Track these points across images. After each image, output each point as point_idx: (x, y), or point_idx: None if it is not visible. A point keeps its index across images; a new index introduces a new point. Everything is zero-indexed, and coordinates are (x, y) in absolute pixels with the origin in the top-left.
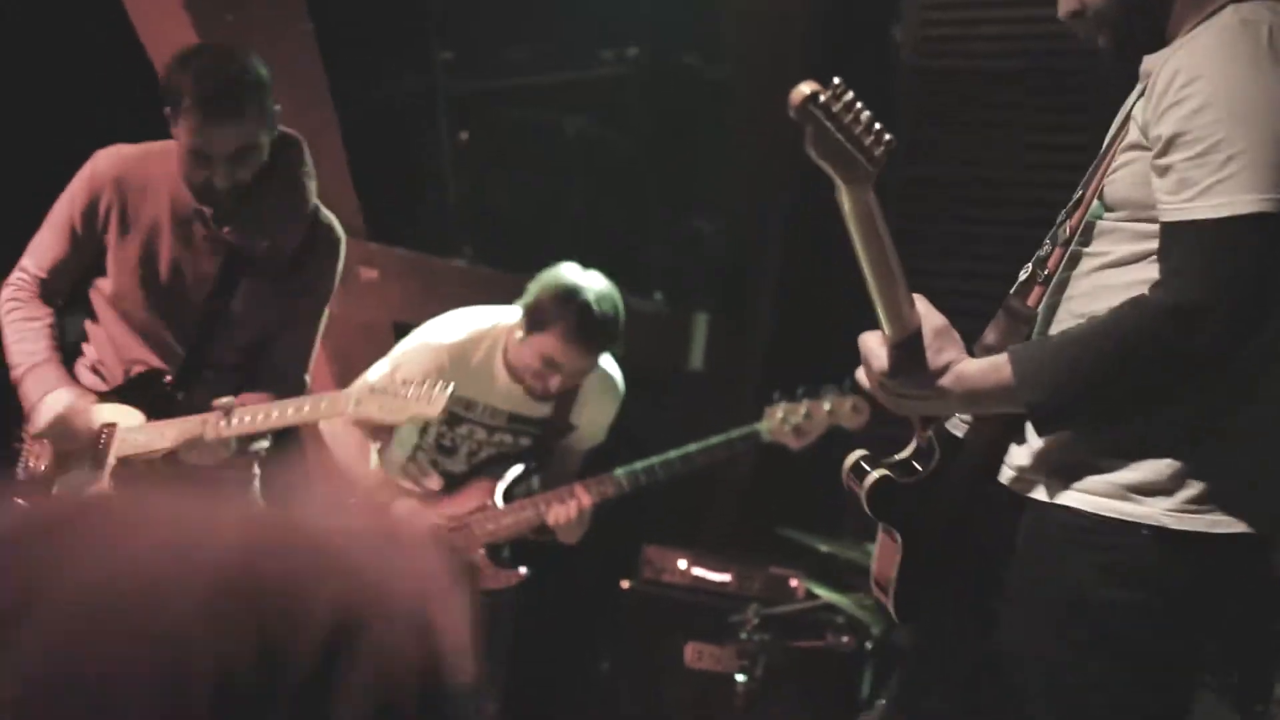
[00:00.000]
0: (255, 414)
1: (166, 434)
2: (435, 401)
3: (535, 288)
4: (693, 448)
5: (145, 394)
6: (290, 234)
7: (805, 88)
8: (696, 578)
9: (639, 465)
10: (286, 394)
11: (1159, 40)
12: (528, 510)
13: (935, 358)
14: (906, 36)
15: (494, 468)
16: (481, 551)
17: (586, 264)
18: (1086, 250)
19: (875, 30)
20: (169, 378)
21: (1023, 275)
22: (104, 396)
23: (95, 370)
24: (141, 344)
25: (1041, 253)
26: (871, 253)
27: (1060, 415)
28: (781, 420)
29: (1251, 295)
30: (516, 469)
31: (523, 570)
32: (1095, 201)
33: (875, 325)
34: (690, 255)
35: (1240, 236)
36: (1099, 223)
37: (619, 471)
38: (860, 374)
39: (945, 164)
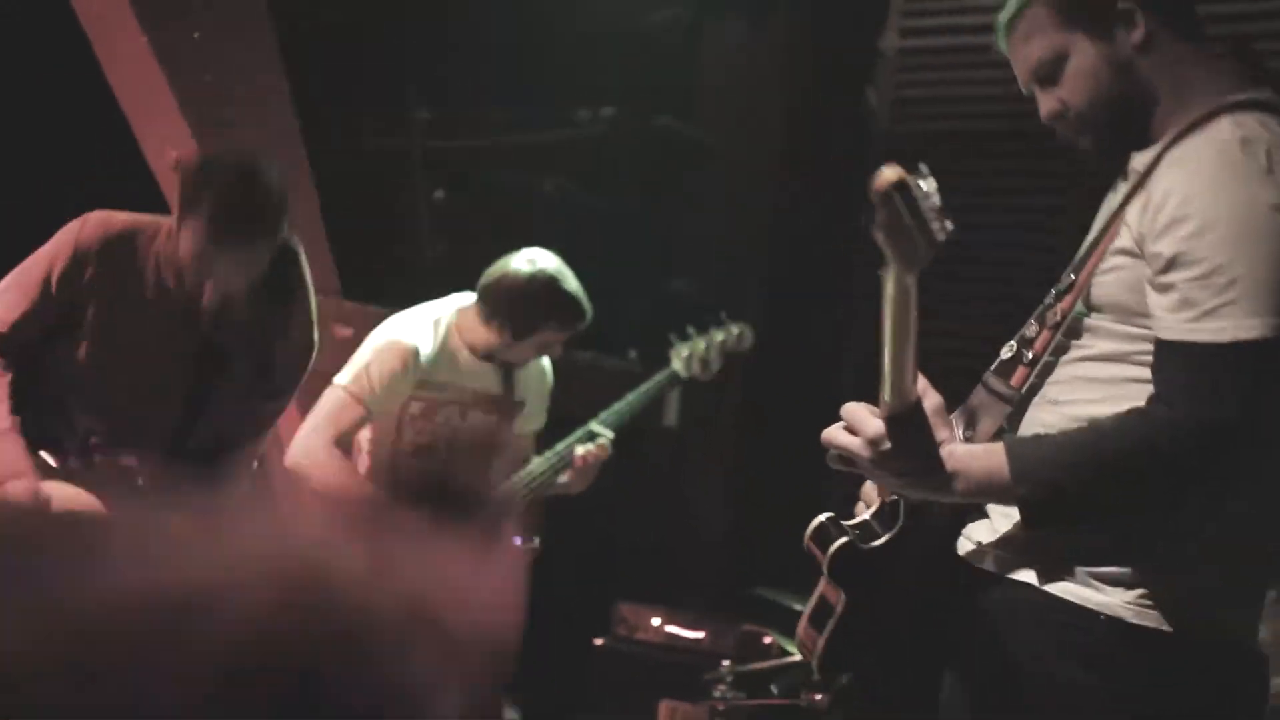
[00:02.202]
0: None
1: None
2: None
3: (505, 294)
4: (630, 396)
5: (110, 485)
6: (282, 351)
7: (892, 173)
8: (670, 635)
9: (607, 414)
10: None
11: (1143, 140)
12: (526, 482)
13: (935, 433)
14: (881, 100)
15: (467, 461)
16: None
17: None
18: (1081, 344)
19: (851, 93)
20: (140, 480)
21: (1005, 354)
22: (67, 473)
23: (43, 435)
24: (102, 419)
25: (1027, 333)
26: (899, 331)
27: (1051, 514)
28: (687, 357)
29: (1252, 415)
30: (490, 453)
31: (535, 543)
32: (1080, 300)
33: (852, 386)
34: (665, 315)
35: (1243, 360)
36: (1084, 318)
37: (603, 416)
38: (835, 439)
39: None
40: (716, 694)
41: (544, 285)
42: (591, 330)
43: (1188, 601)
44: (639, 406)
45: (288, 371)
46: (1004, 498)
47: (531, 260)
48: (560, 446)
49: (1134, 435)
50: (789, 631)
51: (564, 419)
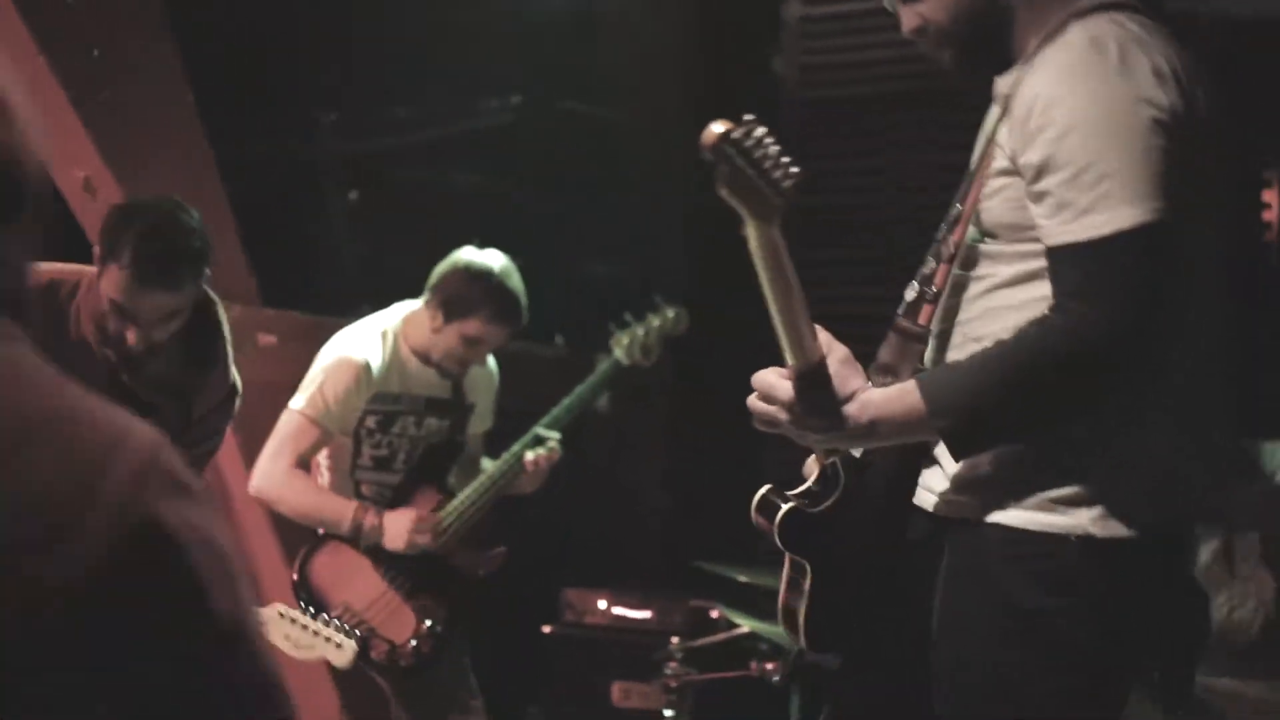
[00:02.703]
0: None
1: None
2: (344, 650)
3: (446, 276)
4: (576, 390)
5: None
6: (203, 402)
7: (718, 127)
8: (618, 617)
9: (556, 412)
10: None
11: (1004, 58)
12: (482, 487)
13: (843, 386)
14: (788, 68)
15: (425, 469)
16: (460, 544)
17: None
18: (973, 274)
19: (757, 63)
20: None
21: (909, 295)
22: None
23: None
24: None
25: (926, 270)
26: (777, 286)
27: (973, 439)
28: (628, 345)
29: (1147, 304)
30: (447, 459)
31: (502, 549)
32: (972, 227)
33: (776, 359)
34: (589, 298)
35: (1127, 250)
36: (980, 246)
37: (547, 420)
38: (754, 407)
39: (836, 193)
40: (668, 671)
41: (484, 274)
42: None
43: (1145, 501)
44: (586, 400)
45: (213, 419)
46: (926, 433)
47: (482, 254)
48: (510, 454)
49: (1034, 346)
50: (735, 604)
51: (500, 410)
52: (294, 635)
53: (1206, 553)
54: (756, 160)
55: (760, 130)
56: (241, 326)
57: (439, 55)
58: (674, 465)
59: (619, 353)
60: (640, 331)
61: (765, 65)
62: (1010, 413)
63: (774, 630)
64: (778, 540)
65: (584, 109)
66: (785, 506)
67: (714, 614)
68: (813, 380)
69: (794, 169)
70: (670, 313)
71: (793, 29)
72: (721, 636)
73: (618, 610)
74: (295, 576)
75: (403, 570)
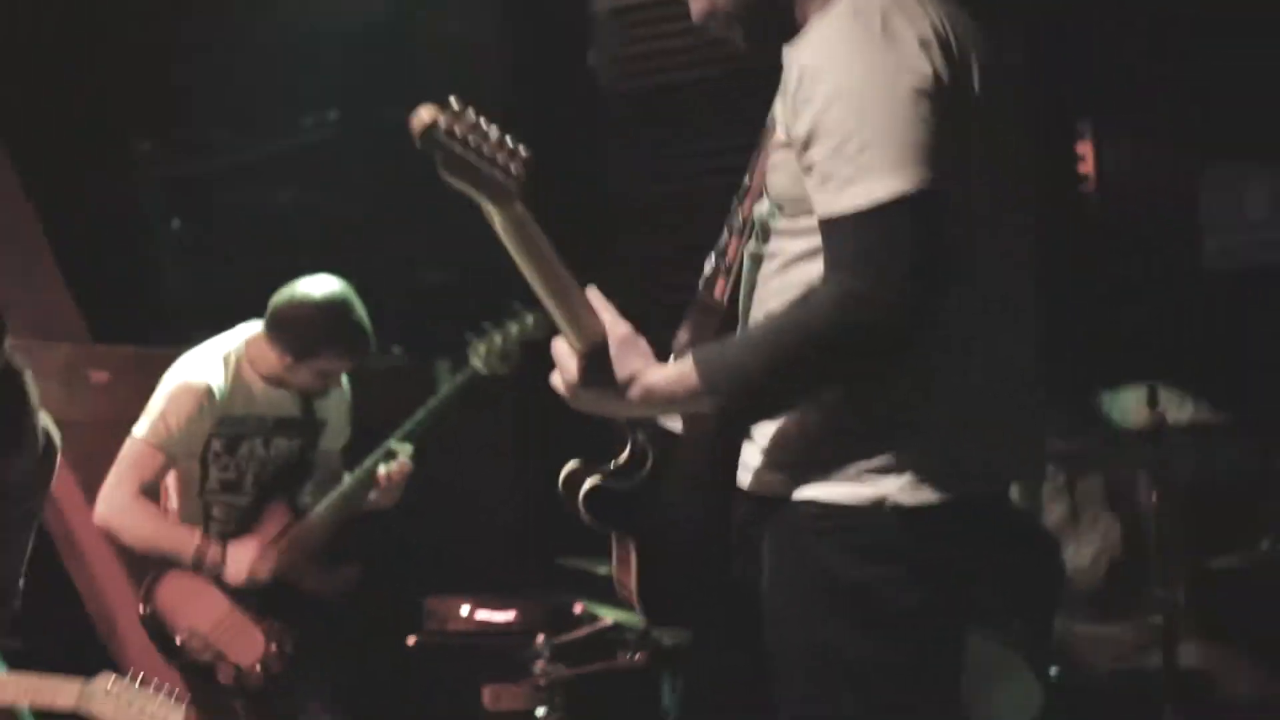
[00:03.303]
0: None
1: None
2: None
3: (288, 315)
4: (432, 402)
5: None
6: (13, 466)
7: (424, 115)
8: (481, 621)
9: (409, 424)
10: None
11: (790, 33)
12: (335, 504)
13: (621, 368)
14: (603, 61)
15: (276, 489)
16: (310, 564)
17: None
18: (767, 250)
19: (574, 58)
20: None
21: (707, 269)
22: None
23: None
24: None
25: (720, 243)
26: (534, 266)
27: (747, 412)
28: (485, 353)
29: (912, 274)
30: (298, 478)
31: (356, 566)
32: (765, 202)
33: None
34: (424, 306)
35: (887, 221)
36: (772, 222)
37: (399, 434)
38: (555, 381)
39: (665, 181)
40: (536, 670)
41: (325, 310)
42: None
43: (951, 466)
44: (442, 412)
45: (25, 475)
46: (701, 406)
47: (318, 284)
48: (361, 470)
49: (795, 320)
50: (597, 596)
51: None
52: (120, 710)
53: (1055, 504)
54: (474, 145)
55: (469, 114)
56: (72, 365)
57: (253, 75)
58: (525, 465)
59: (476, 362)
60: (498, 339)
61: (580, 59)
62: (779, 386)
63: (637, 619)
64: (583, 516)
65: (404, 116)
66: (589, 485)
67: (577, 609)
68: (594, 360)
69: (521, 149)
70: (529, 317)
71: (604, 21)
72: (586, 630)
73: (481, 614)
74: (141, 603)
75: (251, 592)
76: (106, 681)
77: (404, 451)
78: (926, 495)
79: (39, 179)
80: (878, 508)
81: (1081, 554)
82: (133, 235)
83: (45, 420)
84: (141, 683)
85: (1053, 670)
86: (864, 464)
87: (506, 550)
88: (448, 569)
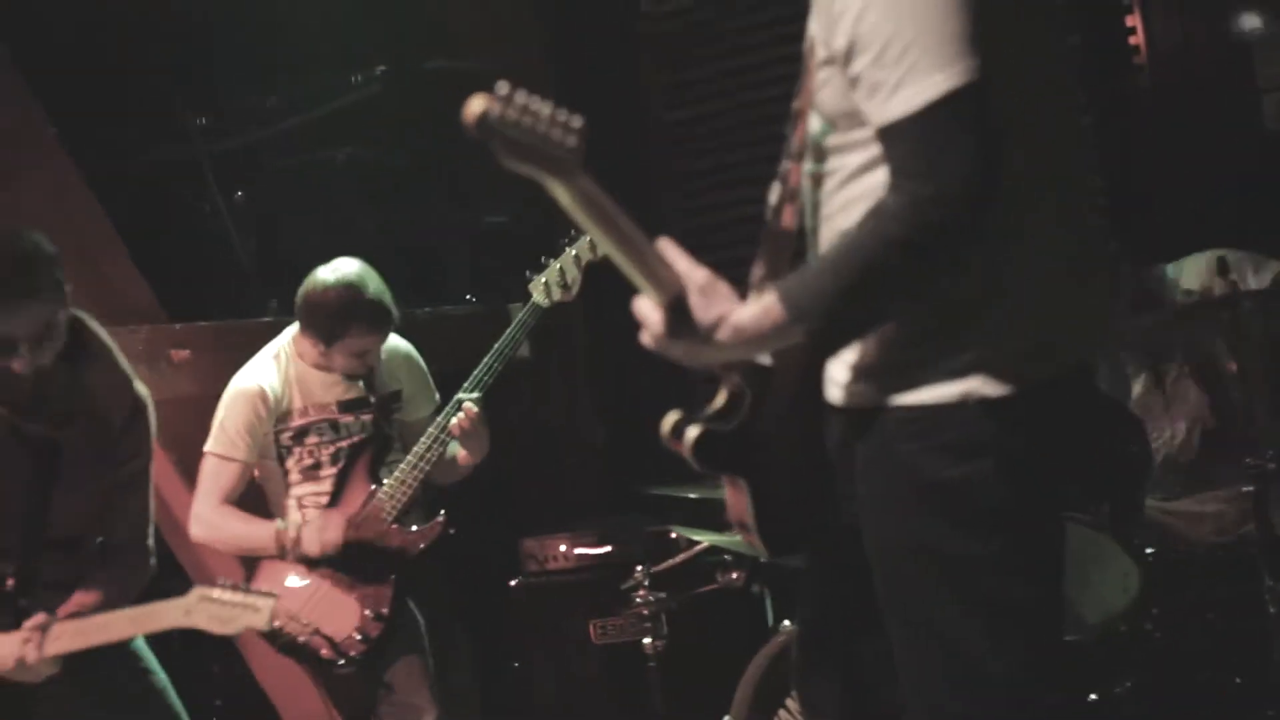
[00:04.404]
0: (76, 633)
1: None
2: (262, 610)
3: (308, 306)
4: (499, 344)
5: None
6: (114, 412)
7: (475, 106)
8: (580, 556)
9: (477, 372)
10: (131, 567)
11: None
12: (411, 465)
13: (705, 315)
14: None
15: (355, 466)
16: (394, 527)
17: (390, 284)
18: (825, 168)
19: None
20: (10, 580)
21: (773, 198)
22: None
23: None
24: None
25: (781, 170)
26: (607, 232)
27: (840, 335)
28: (545, 286)
29: (976, 166)
30: (376, 452)
31: (440, 518)
32: (816, 121)
33: None
34: (491, 251)
35: (942, 119)
36: (827, 140)
37: (468, 383)
38: (644, 338)
39: (704, 102)
40: (638, 600)
41: (341, 292)
42: (423, 284)
43: (1028, 355)
44: (508, 351)
45: (134, 434)
46: (794, 338)
47: (333, 269)
48: (434, 426)
49: (871, 233)
50: (690, 521)
51: (440, 375)
52: (217, 613)
53: (1138, 384)
54: (527, 127)
55: (520, 96)
56: (153, 346)
57: (297, 40)
58: (603, 397)
59: (537, 296)
60: (557, 268)
61: None
62: (865, 303)
63: (732, 540)
64: (694, 464)
65: (448, 66)
66: (693, 432)
67: (673, 535)
68: (678, 312)
69: (572, 120)
70: (585, 240)
71: None
72: (683, 556)
73: (578, 550)
74: None
75: (338, 565)
76: (199, 593)
77: (469, 399)
78: (1008, 385)
79: (97, 165)
80: (963, 404)
81: (1172, 431)
82: (196, 211)
83: (136, 380)
84: (230, 587)
85: (1148, 550)
86: (945, 363)
87: (595, 484)
88: (539, 509)
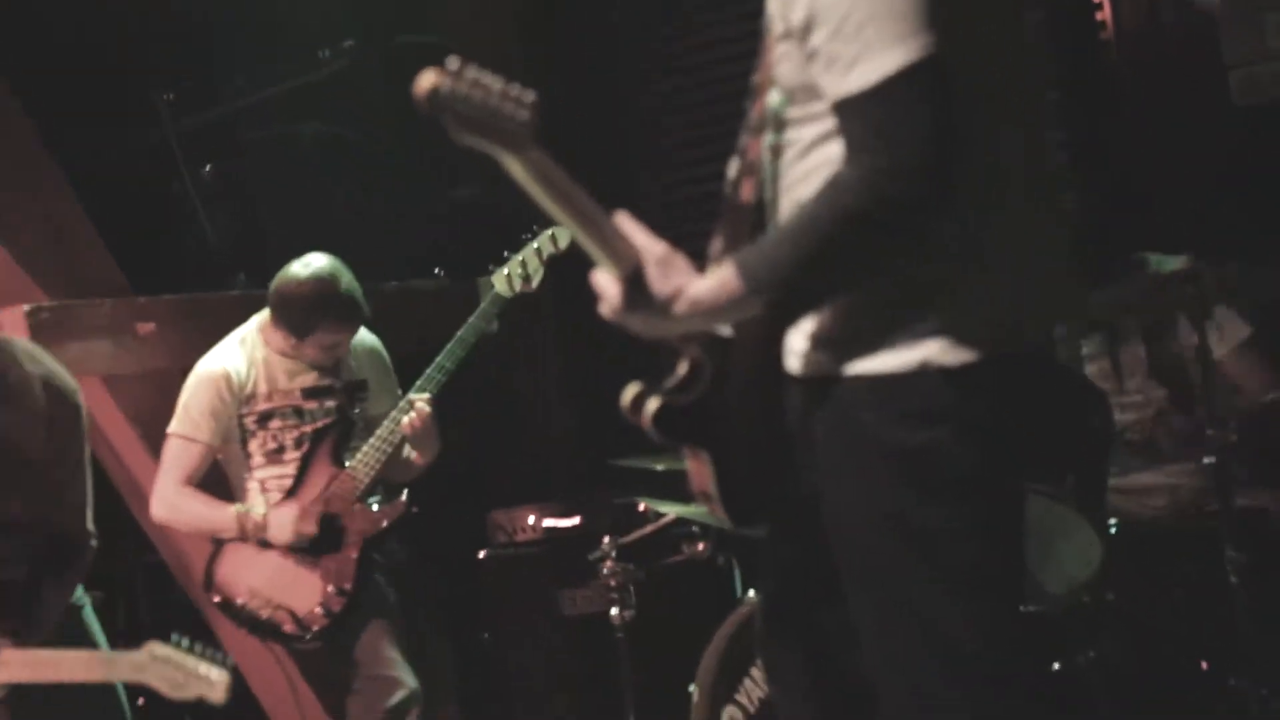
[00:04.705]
0: (24, 664)
1: None
2: (217, 686)
3: (281, 300)
4: (461, 333)
5: None
6: (28, 442)
7: (426, 81)
8: (549, 529)
9: (431, 368)
10: (75, 552)
11: None
12: (373, 448)
13: (662, 287)
14: None
15: (318, 451)
16: (357, 506)
17: (357, 258)
18: (784, 140)
19: None
20: None
21: (731, 172)
22: None
23: None
24: None
25: (739, 144)
26: (563, 206)
27: (796, 306)
28: (508, 277)
29: (933, 141)
30: (339, 439)
31: (402, 497)
32: (775, 94)
33: None
34: (459, 225)
35: (898, 93)
36: (784, 112)
37: (420, 382)
38: (602, 310)
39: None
40: (605, 571)
41: (314, 287)
42: (389, 259)
43: (988, 323)
44: (471, 341)
45: (59, 436)
46: (751, 310)
47: (306, 264)
48: (389, 419)
49: (828, 205)
50: (659, 494)
51: (396, 354)
52: (169, 676)
53: (1094, 354)
54: (478, 101)
55: (471, 71)
56: (117, 320)
57: (265, 15)
58: (572, 369)
59: (500, 286)
60: (519, 260)
61: None
62: (821, 275)
63: (699, 511)
64: (655, 436)
65: (418, 40)
66: (654, 405)
67: (641, 507)
68: (635, 284)
69: (524, 94)
70: (548, 234)
71: None
72: (650, 528)
73: (548, 522)
74: (203, 580)
75: (301, 543)
76: (152, 651)
77: (420, 399)
78: (967, 354)
79: (63, 138)
80: (922, 371)
81: (1129, 403)
82: (162, 186)
83: (57, 379)
84: (185, 650)
85: (1111, 522)
86: (904, 331)
87: (563, 456)
88: (508, 481)
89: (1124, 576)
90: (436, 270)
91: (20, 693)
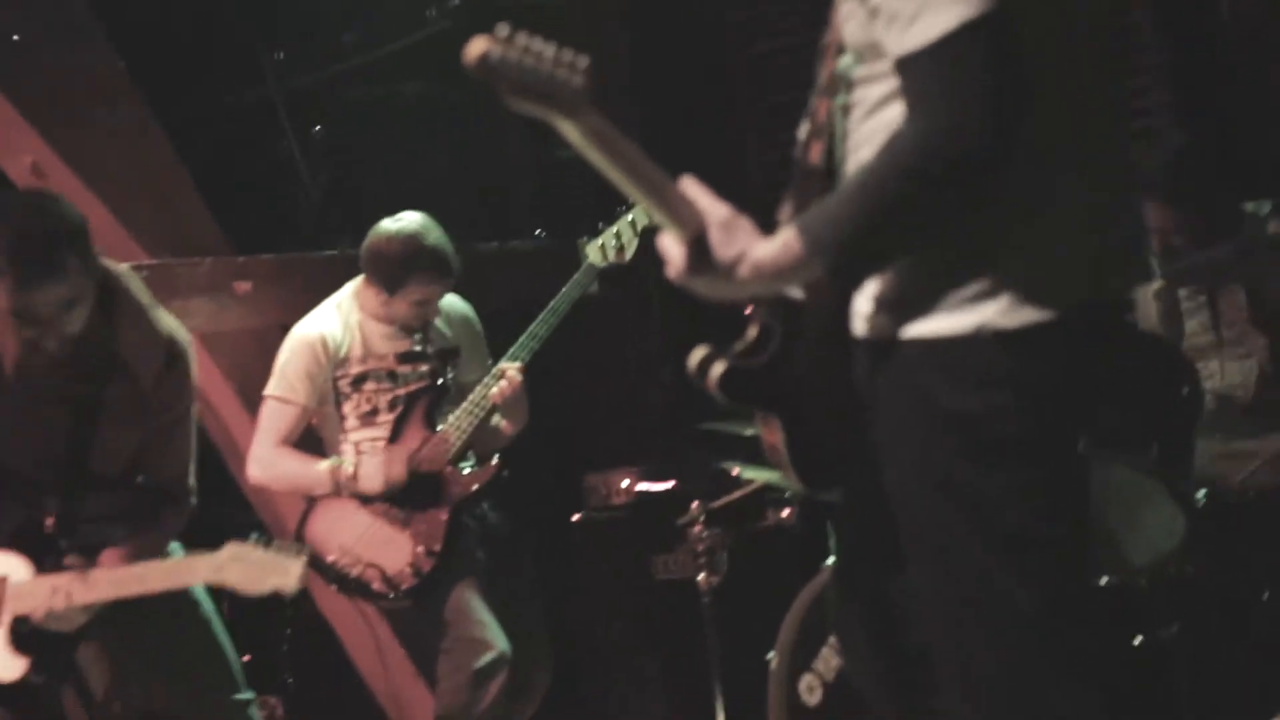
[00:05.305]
0: (109, 581)
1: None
2: (292, 572)
3: (372, 255)
4: (554, 303)
5: (29, 543)
6: (145, 367)
7: (474, 49)
8: (642, 492)
9: (524, 336)
10: (171, 507)
11: None
12: (465, 412)
13: (724, 252)
14: None
15: (411, 415)
16: (449, 469)
17: (457, 219)
18: (853, 99)
19: None
20: (49, 521)
21: (802, 133)
22: None
23: None
24: (7, 499)
25: (809, 106)
26: (622, 170)
27: (859, 268)
28: (602, 248)
29: (992, 97)
30: (433, 403)
31: (494, 460)
32: (845, 55)
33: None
34: (560, 185)
35: (958, 50)
36: (852, 72)
37: (512, 350)
38: (669, 273)
39: (786, 35)
40: (693, 536)
41: (404, 241)
42: (492, 219)
43: (1051, 284)
44: (564, 310)
45: (173, 382)
46: (812, 271)
47: (397, 220)
48: (481, 384)
49: (888, 165)
50: (751, 458)
51: (499, 314)
52: (246, 572)
53: (1193, 322)
54: (530, 67)
55: (522, 38)
56: (215, 278)
57: None
58: (670, 331)
59: (594, 256)
60: (613, 232)
61: None
62: (882, 235)
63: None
64: (721, 400)
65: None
66: (720, 369)
67: (734, 473)
68: (699, 248)
69: (578, 59)
70: (639, 208)
71: None
72: (739, 493)
73: (641, 485)
74: (295, 537)
75: (393, 501)
76: (231, 551)
77: (511, 368)
78: (1025, 316)
79: (166, 98)
80: (978, 334)
81: (1229, 369)
82: (274, 145)
83: (170, 327)
84: (263, 544)
85: (1201, 492)
86: (963, 292)
87: (660, 420)
88: (604, 444)
89: (1212, 549)
90: (538, 231)
91: (119, 634)
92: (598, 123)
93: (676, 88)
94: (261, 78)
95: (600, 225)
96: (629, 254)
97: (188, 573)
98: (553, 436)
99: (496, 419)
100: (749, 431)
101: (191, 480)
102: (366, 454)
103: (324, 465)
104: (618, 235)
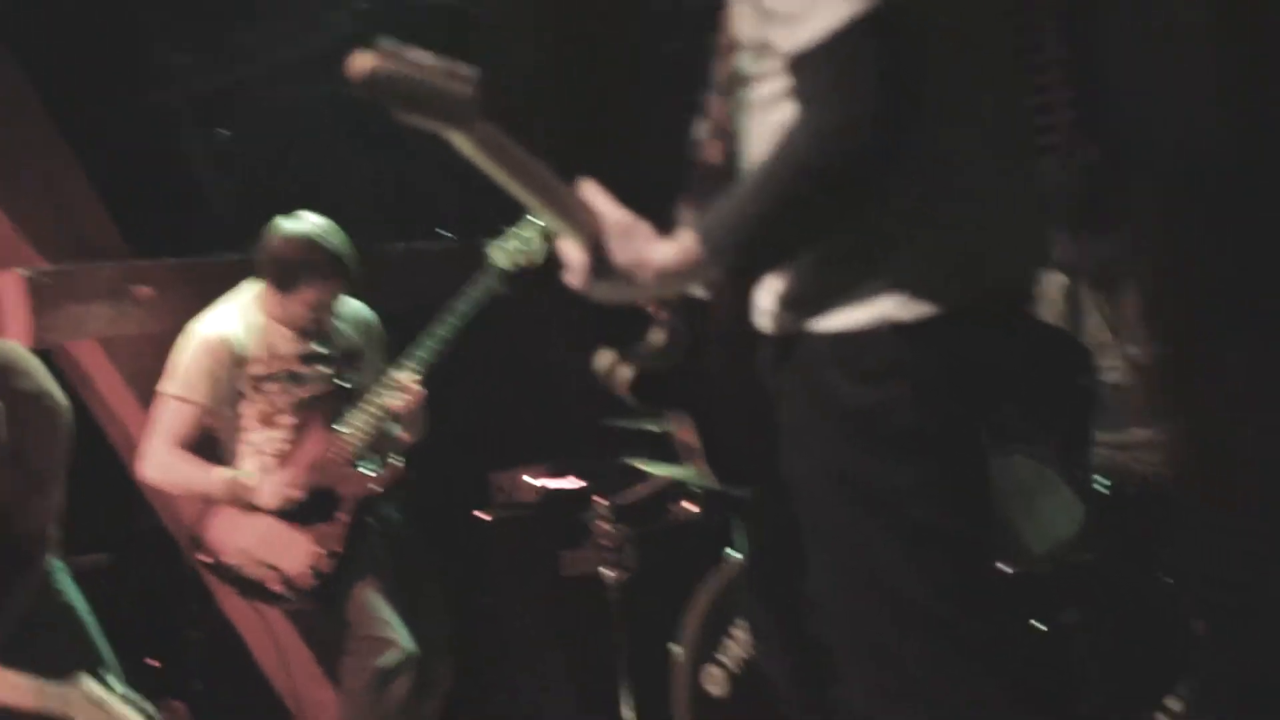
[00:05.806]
0: None
1: None
2: None
3: (267, 255)
4: (454, 306)
5: None
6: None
7: (360, 64)
8: (550, 490)
9: (427, 341)
10: (23, 565)
11: None
12: (366, 412)
13: (623, 256)
14: None
15: (312, 418)
16: (350, 470)
17: (368, 221)
18: (748, 98)
19: None
20: None
21: (700, 133)
22: None
23: None
24: None
25: (706, 105)
26: (515, 180)
27: (755, 268)
28: (507, 253)
29: (883, 94)
30: (334, 405)
31: (396, 461)
32: (740, 52)
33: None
34: (470, 187)
35: (847, 47)
36: (746, 70)
37: (412, 351)
38: (569, 280)
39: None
40: (599, 532)
41: (300, 242)
42: (404, 219)
43: (948, 278)
44: (466, 314)
45: (41, 447)
46: (712, 273)
47: (293, 219)
48: (378, 385)
49: (782, 162)
50: (657, 455)
51: (402, 315)
52: (94, 717)
53: (1092, 312)
54: (417, 79)
55: (403, 50)
56: (115, 283)
57: None
58: (575, 332)
59: (501, 262)
60: (518, 234)
61: None
62: (778, 233)
63: (692, 472)
64: (633, 403)
65: (433, 0)
66: (627, 374)
67: (640, 468)
68: (599, 254)
69: (463, 70)
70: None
71: None
72: (644, 489)
73: (546, 483)
74: (192, 538)
75: (293, 504)
76: (86, 692)
77: (412, 381)
78: (923, 308)
79: (65, 101)
80: (878, 328)
81: (1129, 358)
82: (167, 148)
83: (37, 386)
84: (122, 698)
85: (1106, 482)
86: (863, 287)
87: (566, 418)
88: (509, 442)
89: (1112, 537)
90: (444, 232)
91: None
92: (488, 132)
93: (584, 87)
94: (163, 81)
95: (503, 228)
96: (539, 259)
97: (36, 696)
98: (460, 435)
99: (396, 429)
100: (656, 428)
101: (48, 540)
102: (268, 471)
103: (224, 475)
104: (524, 239)
